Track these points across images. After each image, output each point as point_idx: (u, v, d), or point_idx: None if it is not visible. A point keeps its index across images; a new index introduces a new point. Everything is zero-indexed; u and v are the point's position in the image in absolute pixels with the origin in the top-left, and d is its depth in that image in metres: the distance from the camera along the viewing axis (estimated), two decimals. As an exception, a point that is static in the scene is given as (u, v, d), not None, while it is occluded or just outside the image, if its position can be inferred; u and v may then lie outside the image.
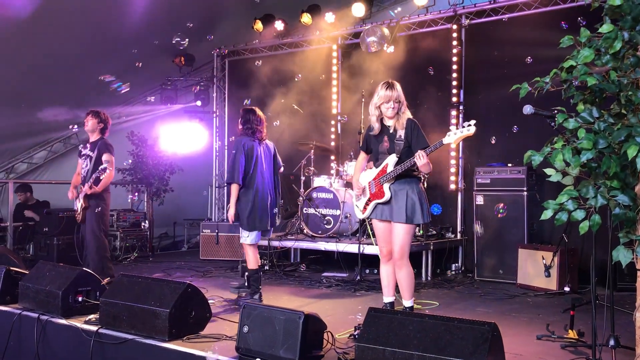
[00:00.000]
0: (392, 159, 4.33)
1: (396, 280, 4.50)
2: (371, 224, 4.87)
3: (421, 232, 7.35)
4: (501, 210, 6.04)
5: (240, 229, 5.61)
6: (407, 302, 4.44)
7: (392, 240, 4.37)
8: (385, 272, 4.54)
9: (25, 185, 9.58)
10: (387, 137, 4.40)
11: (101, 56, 8.62)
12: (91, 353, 4.25)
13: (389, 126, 4.41)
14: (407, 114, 4.42)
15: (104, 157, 6.33)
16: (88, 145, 6.54)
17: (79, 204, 6.36)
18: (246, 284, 5.58)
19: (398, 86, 4.39)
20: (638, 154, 2.59)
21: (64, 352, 4.59)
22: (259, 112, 5.73)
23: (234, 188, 5.48)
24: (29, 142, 10.35)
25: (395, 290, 4.56)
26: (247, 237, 5.56)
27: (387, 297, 4.55)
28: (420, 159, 4.12)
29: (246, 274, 5.64)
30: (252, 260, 5.58)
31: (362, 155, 4.70)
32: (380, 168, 4.40)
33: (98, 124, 6.50)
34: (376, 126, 4.44)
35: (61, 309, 4.70)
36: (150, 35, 8.71)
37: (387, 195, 4.32)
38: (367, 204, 4.49)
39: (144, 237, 9.48)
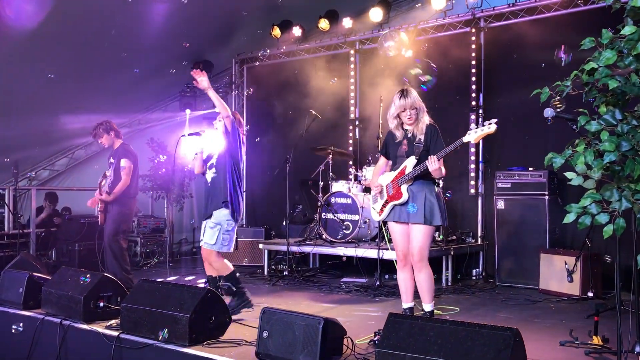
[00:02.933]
0: (410, 161, 4.33)
1: (415, 286, 4.45)
2: (387, 227, 4.77)
3: (441, 237, 7.30)
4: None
5: (224, 237, 5.00)
6: (427, 307, 4.38)
7: (411, 243, 4.33)
8: (402, 278, 4.50)
9: (53, 197, 9.66)
10: (407, 140, 4.42)
11: (121, 64, 8.71)
12: (112, 358, 4.29)
13: (407, 130, 4.45)
14: (427, 119, 4.44)
15: (122, 162, 6.43)
16: (112, 152, 6.67)
17: (97, 211, 6.52)
18: (234, 290, 5.05)
19: (413, 92, 4.42)
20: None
21: (85, 357, 4.63)
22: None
23: None
24: (50, 150, 10.50)
25: (414, 296, 4.50)
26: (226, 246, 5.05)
27: (406, 303, 4.51)
28: (432, 164, 4.15)
29: (221, 282, 5.08)
30: (226, 265, 5.09)
31: (382, 160, 4.69)
32: (398, 170, 4.40)
33: (109, 134, 6.58)
34: (398, 134, 4.48)
35: (83, 314, 4.75)
36: (169, 43, 8.80)
37: (405, 196, 4.30)
38: (384, 205, 4.47)
39: (164, 243, 9.55)
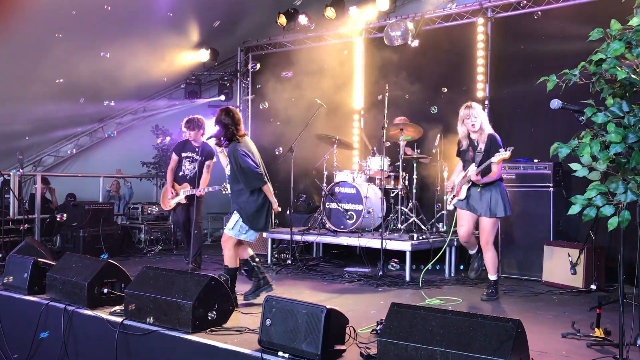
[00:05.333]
0: (472, 168, 5.40)
1: (474, 241, 5.74)
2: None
3: (444, 227, 7.30)
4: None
5: (242, 225, 5.11)
6: (492, 276, 5.61)
7: (481, 231, 5.52)
8: (465, 243, 5.75)
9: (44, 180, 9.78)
10: (472, 148, 5.50)
11: (126, 50, 8.70)
12: (116, 344, 4.32)
13: (473, 139, 5.50)
14: (488, 130, 5.44)
15: (207, 162, 7.18)
16: (194, 146, 7.20)
17: (174, 201, 7.14)
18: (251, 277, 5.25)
19: (477, 106, 5.46)
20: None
21: (89, 342, 4.67)
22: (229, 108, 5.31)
23: (268, 187, 5.18)
24: (56, 136, 10.53)
25: (476, 246, 5.76)
26: (244, 235, 5.15)
27: (472, 251, 5.86)
28: (472, 175, 5.33)
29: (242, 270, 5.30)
30: (235, 259, 5.20)
31: (459, 161, 5.72)
32: (464, 174, 5.54)
33: (199, 130, 7.17)
34: (464, 143, 5.55)
35: (87, 300, 4.78)
36: (175, 30, 8.78)
37: (462, 195, 5.52)
38: (452, 198, 5.69)
39: (168, 230, 9.58)
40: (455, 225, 5.92)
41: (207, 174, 7.16)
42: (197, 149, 7.17)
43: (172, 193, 7.17)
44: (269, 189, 5.21)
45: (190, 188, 7.10)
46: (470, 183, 5.44)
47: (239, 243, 5.25)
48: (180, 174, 7.23)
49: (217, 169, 7.78)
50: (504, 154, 5.15)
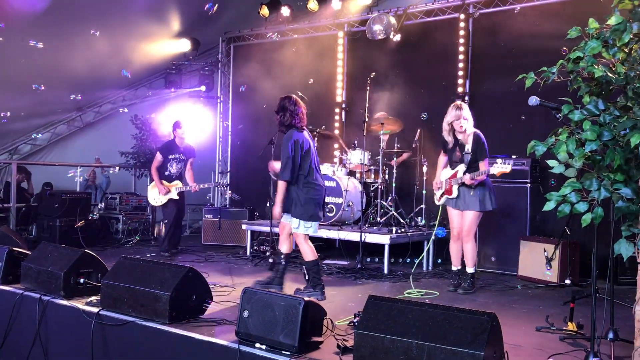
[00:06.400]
0: (461, 168, 5.59)
1: (462, 253, 5.76)
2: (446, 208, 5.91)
3: (424, 222, 7.35)
4: None
5: (299, 220, 5.13)
6: (470, 269, 5.73)
7: (464, 223, 5.65)
8: (453, 247, 5.85)
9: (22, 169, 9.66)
10: (459, 148, 5.61)
11: (108, 37, 8.58)
12: (92, 334, 4.28)
13: (459, 139, 5.59)
14: (472, 129, 5.53)
15: (191, 160, 7.80)
16: (178, 147, 7.67)
17: (167, 197, 7.52)
18: (306, 277, 5.21)
19: (465, 107, 5.57)
20: (642, 144, 2.58)
21: (65, 333, 4.62)
22: (297, 98, 5.37)
23: (283, 185, 5.10)
24: (32, 124, 10.36)
25: (460, 262, 5.81)
26: (310, 228, 5.16)
27: (455, 267, 5.88)
28: (466, 180, 5.48)
29: (304, 267, 5.24)
30: (310, 251, 5.19)
31: (443, 156, 5.84)
32: (453, 172, 5.66)
33: (183, 132, 7.71)
34: (449, 139, 5.65)
35: (63, 290, 4.72)
36: (155, 19, 8.68)
37: (455, 194, 5.63)
38: (442, 195, 5.79)
39: (146, 221, 9.50)
40: (437, 219, 6.02)
41: (191, 171, 7.78)
42: (181, 150, 7.69)
43: (165, 189, 7.54)
44: (282, 187, 5.13)
45: (182, 186, 7.60)
46: (462, 182, 5.57)
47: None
48: (167, 173, 7.63)
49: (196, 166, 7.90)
50: (505, 167, 5.28)
